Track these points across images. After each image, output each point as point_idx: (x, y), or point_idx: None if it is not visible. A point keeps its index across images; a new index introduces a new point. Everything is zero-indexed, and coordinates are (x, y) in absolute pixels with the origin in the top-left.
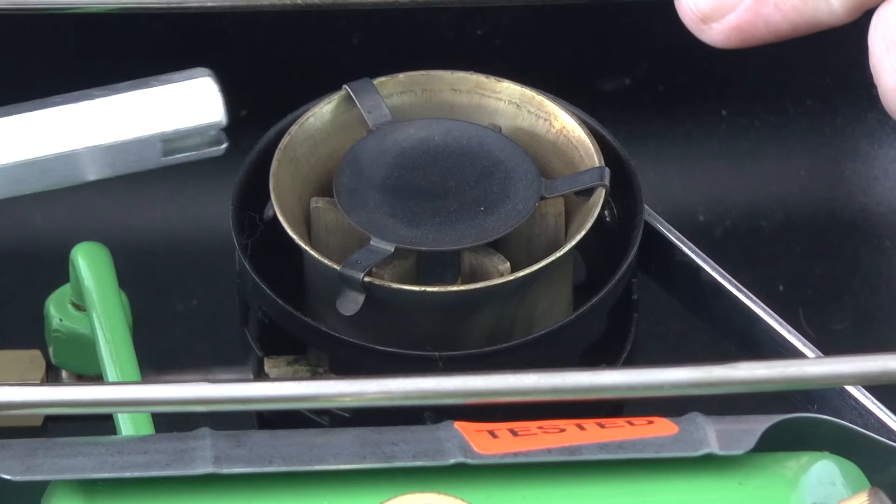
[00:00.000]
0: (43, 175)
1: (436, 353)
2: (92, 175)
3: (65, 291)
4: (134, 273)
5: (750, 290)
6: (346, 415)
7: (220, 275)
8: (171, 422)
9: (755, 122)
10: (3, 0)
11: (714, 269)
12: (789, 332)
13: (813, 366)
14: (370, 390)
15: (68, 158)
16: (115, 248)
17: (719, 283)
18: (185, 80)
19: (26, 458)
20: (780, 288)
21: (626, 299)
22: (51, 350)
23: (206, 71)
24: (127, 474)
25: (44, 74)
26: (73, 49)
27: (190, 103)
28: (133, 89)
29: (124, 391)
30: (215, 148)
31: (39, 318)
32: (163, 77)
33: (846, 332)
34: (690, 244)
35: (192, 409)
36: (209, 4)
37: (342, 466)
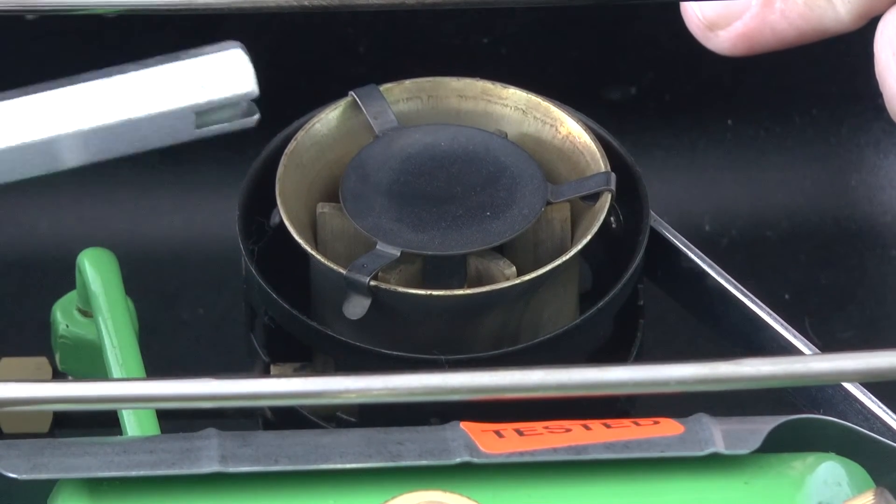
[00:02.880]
0: (79, 149)
1: (442, 357)
2: (127, 149)
3: (71, 298)
4: (139, 281)
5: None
6: (353, 419)
7: (226, 283)
8: (176, 427)
9: (761, 131)
10: (3, 0)
11: (720, 274)
12: (795, 336)
13: (818, 362)
14: (376, 386)
15: (103, 133)
16: (120, 257)
17: (725, 288)
18: (216, 52)
19: (33, 457)
20: (786, 297)
21: (632, 305)
22: (57, 356)
23: (237, 43)
24: (133, 473)
25: (46, 76)
26: (76, 52)
27: (222, 75)
28: (164, 63)
29: (130, 387)
30: (248, 119)
31: (46, 326)
32: (193, 50)
33: (852, 341)
34: (696, 250)
35: (199, 405)
36: (216, 5)
37: (348, 465)
